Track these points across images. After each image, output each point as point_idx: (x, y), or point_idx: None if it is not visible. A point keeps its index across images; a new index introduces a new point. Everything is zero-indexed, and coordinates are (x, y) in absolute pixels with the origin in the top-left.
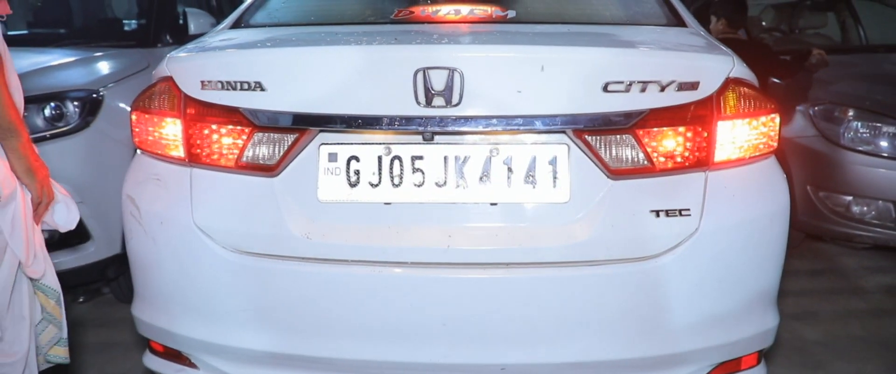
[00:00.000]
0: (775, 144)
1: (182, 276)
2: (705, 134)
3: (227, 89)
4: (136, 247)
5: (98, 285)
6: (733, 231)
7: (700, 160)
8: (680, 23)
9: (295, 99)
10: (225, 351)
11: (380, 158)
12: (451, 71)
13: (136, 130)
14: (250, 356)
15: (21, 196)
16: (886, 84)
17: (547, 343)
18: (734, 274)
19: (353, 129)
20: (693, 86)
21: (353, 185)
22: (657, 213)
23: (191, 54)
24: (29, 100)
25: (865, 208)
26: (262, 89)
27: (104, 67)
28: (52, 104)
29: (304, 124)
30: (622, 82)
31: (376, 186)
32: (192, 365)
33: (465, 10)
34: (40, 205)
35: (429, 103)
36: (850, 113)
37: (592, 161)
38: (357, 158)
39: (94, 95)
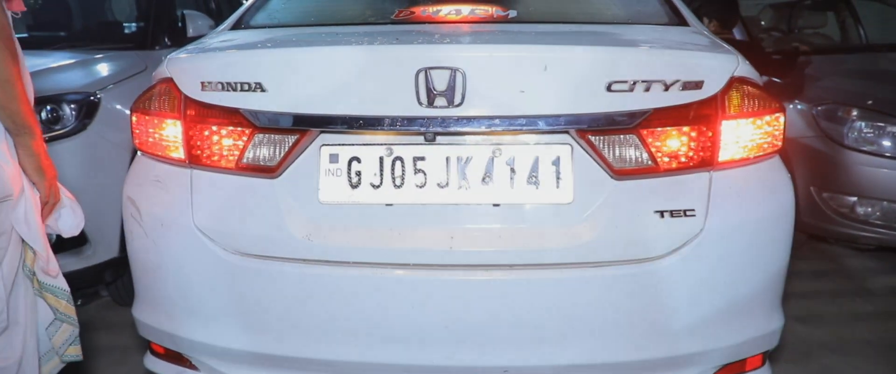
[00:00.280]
0: (780, 144)
1: (182, 278)
2: (710, 134)
3: (228, 90)
4: (136, 249)
5: (96, 288)
6: (738, 231)
7: (704, 160)
8: (682, 22)
9: (296, 100)
10: (226, 353)
11: (381, 159)
12: (453, 71)
13: (137, 131)
14: (251, 359)
15: (31, 195)
16: (890, 83)
17: (551, 346)
18: (739, 275)
19: (354, 129)
20: (697, 85)
21: (354, 186)
22: (661, 213)
23: (191, 55)
24: None
25: (870, 209)
26: (263, 90)
27: (101, 70)
28: (49, 107)
29: (305, 125)
30: (626, 82)
31: (378, 187)
32: (193, 367)
33: (465, 9)
34: (46, 205)
35: (431, 104)
36: (854, 113)
37: (596, 161)
38: (358, 159)
39: (91, 98)
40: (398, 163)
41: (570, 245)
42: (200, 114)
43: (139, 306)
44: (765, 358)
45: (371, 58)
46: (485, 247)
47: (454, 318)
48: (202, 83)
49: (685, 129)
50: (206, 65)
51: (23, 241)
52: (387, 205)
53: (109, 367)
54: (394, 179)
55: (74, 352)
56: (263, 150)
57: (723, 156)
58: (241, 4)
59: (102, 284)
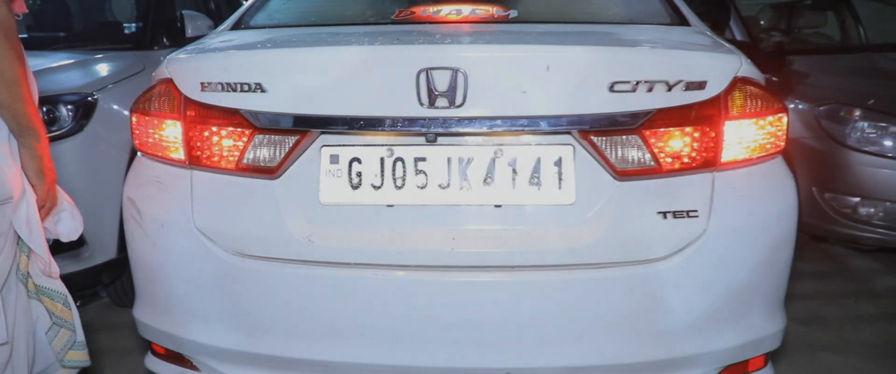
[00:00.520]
0: (783, 144)
1: (183, 279)
2: (713, 134)
3: (228, 91)
4: (137, 250)
5: (94, 289)
6: (741, 233)
7: (707, 161)
8: (683, 22)
9: (296, 100)
10: (226, 354)
11: (382, 160)
12: (455, 71)
13: (136, 132)
14: (252, 359)
15: (31, 197)
16: (892, 83)
17: (553, 347)
18: (742, 276)
19: (354, 130)
20: (700, 85)
21: (355, 187)
22: (664, 214)
23: (191, 56)
24: None
25: (873, 210)
26: (263, 91)
27: (98, 70)
28: (45, 108)
29: (306, 126)
30: (628, 82)
31: (379, 188)
32: (193, 368)
33: (466, 9)
34: (43, 209)
35: (432, 104)
36: (857, 113)
37: (598, 162)
38: (359, 160)
39: (89, 99)
40: (399, 164)
41: (572, 246)
42: (200, 114)
43: (140, 307)
44: (767, 359)
45: (372, 58)
46: (486, 248)
47: (456, 320)
48: (202, 84)
49: (688, 129)
50: (205, 65)
51: (18, 244)
52: (388, 206)
53: (109, 367)
54: (395, 179)
55: (78, 357)
56: (264, 150)
57: (726, 157)
58: (240, 4)
59: (101, 285)
